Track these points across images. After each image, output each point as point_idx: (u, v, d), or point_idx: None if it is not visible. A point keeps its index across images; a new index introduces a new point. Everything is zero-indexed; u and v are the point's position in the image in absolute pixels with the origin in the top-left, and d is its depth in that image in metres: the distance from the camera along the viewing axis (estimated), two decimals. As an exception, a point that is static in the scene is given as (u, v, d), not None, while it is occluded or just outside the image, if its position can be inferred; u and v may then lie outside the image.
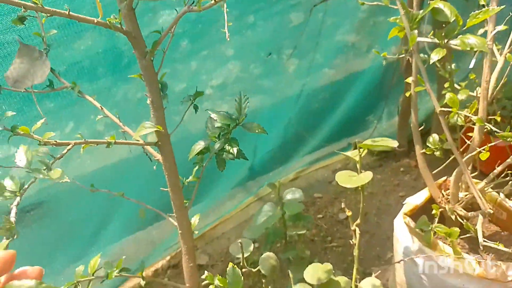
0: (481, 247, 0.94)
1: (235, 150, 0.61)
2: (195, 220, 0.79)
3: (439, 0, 0.87)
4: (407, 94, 1.11)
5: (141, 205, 0.86)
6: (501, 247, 0.92)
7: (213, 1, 0.56)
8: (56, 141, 0.54)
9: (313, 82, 1.95)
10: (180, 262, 1.42)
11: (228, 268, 0.67)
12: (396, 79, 1.86)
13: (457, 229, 1.00)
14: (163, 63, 0.67)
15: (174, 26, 0.61)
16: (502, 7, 0.80)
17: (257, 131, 0.62)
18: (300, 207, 1.10)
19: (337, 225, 1.58)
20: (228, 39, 0.72)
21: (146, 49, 0.62)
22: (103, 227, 1.40)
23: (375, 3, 1.03)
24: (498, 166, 1.09)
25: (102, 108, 0.69)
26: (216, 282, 0.68)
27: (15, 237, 0.51)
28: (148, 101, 0.65)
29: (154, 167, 0.71)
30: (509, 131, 0.86)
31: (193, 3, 0.58)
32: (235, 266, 0.67)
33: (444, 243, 1.03)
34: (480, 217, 0.97)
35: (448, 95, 0.81)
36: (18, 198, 0.56)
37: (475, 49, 0.83)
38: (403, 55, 1.11)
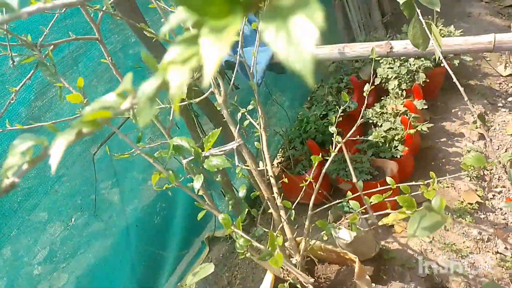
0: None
1: None
2: None
3: (178, 138, 0.96)
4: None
5: None
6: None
7: None
8: None
9: (143, 201, 1.92)
10: None
11: None
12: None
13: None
14: None
15: None
16: (218, 129, 0.92)
17: None
18: None
19: None
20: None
21: None
22: None
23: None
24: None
25: None
26: None
27: None
28: None
29: None
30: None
31: None
32: None
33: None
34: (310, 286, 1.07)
35: (221, 217, 0.89)
36: None
37: (221, 168, 0.93)
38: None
